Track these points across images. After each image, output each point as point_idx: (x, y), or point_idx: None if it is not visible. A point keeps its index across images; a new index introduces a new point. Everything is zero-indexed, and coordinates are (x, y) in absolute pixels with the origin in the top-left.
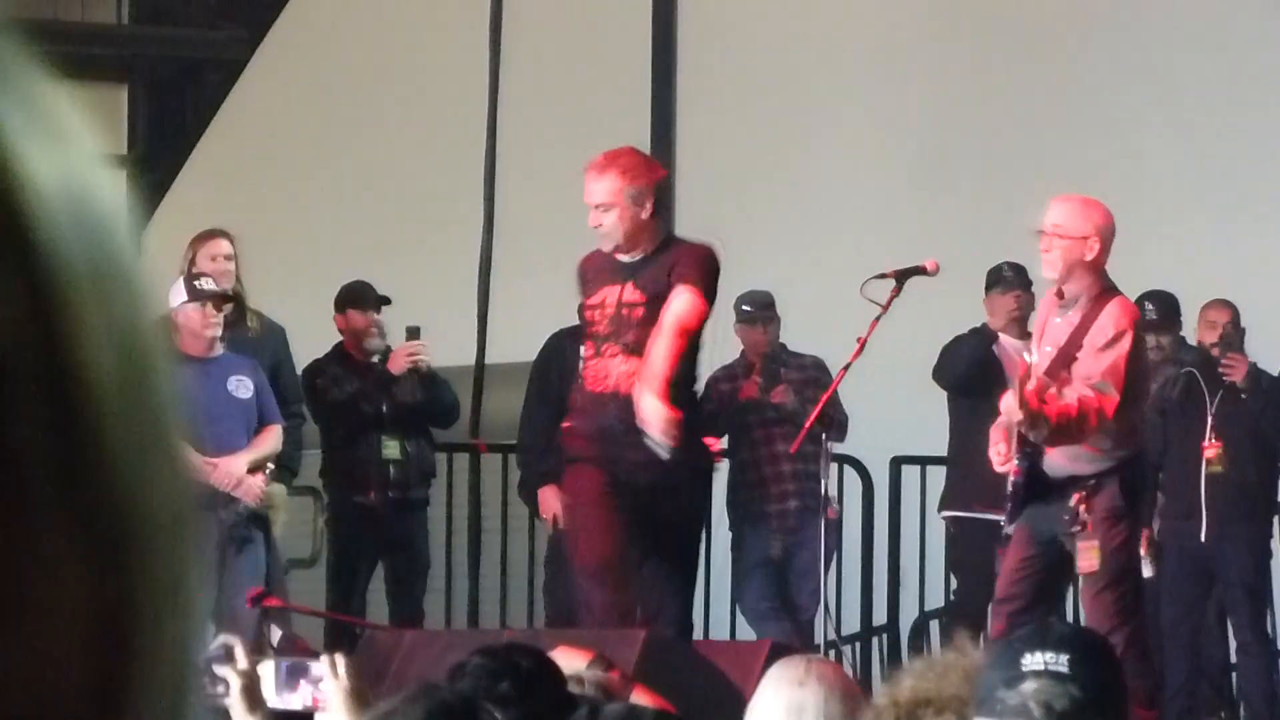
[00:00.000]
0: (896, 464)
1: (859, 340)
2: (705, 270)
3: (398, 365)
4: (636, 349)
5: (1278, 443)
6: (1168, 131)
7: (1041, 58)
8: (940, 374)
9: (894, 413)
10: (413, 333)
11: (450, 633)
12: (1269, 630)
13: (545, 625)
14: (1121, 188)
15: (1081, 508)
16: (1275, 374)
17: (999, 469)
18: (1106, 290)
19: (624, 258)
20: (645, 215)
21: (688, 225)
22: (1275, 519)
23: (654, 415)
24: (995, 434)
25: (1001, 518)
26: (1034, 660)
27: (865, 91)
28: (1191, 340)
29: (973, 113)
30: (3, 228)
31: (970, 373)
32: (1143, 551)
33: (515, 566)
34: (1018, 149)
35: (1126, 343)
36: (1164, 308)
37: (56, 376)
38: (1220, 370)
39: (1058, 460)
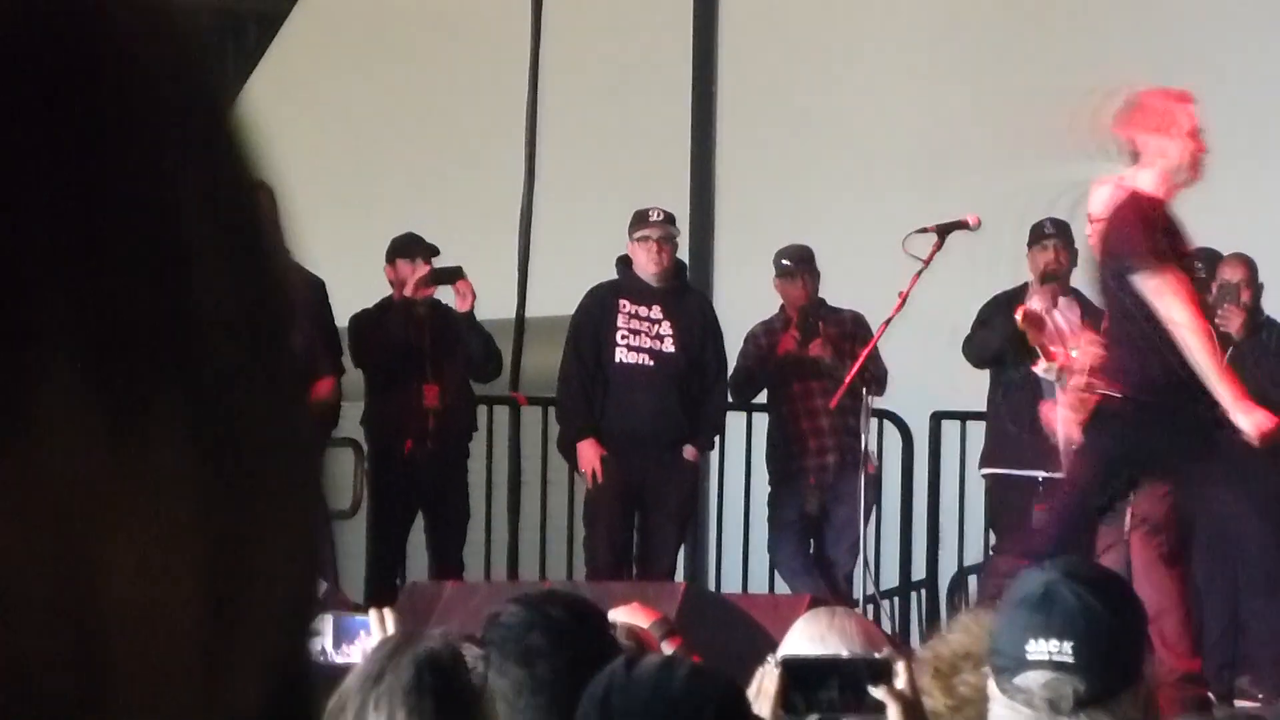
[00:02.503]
0: (936, 419)
1: (900, 294)
2: None
3: (466, 303)
4: None
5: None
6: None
7: (1090, 10)
8: (969, 353)
9: (934, 367)
10: (454, 273)
11: (490, 584)
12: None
13: (585, 579)
14: None
15: None
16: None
17: (1061, 430)
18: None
19: None
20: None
21: (728, 182)
22: None
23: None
24: (1052, 407)
25: (1039, 474)
26: (1038, 649)
27: (908, 44)
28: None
29: (1019, 68)
30: None
31: (999, 356)
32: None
33: (555, 520)
34: (1060, 105)
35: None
36: (1206, 264)
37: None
38: (1216, 322)
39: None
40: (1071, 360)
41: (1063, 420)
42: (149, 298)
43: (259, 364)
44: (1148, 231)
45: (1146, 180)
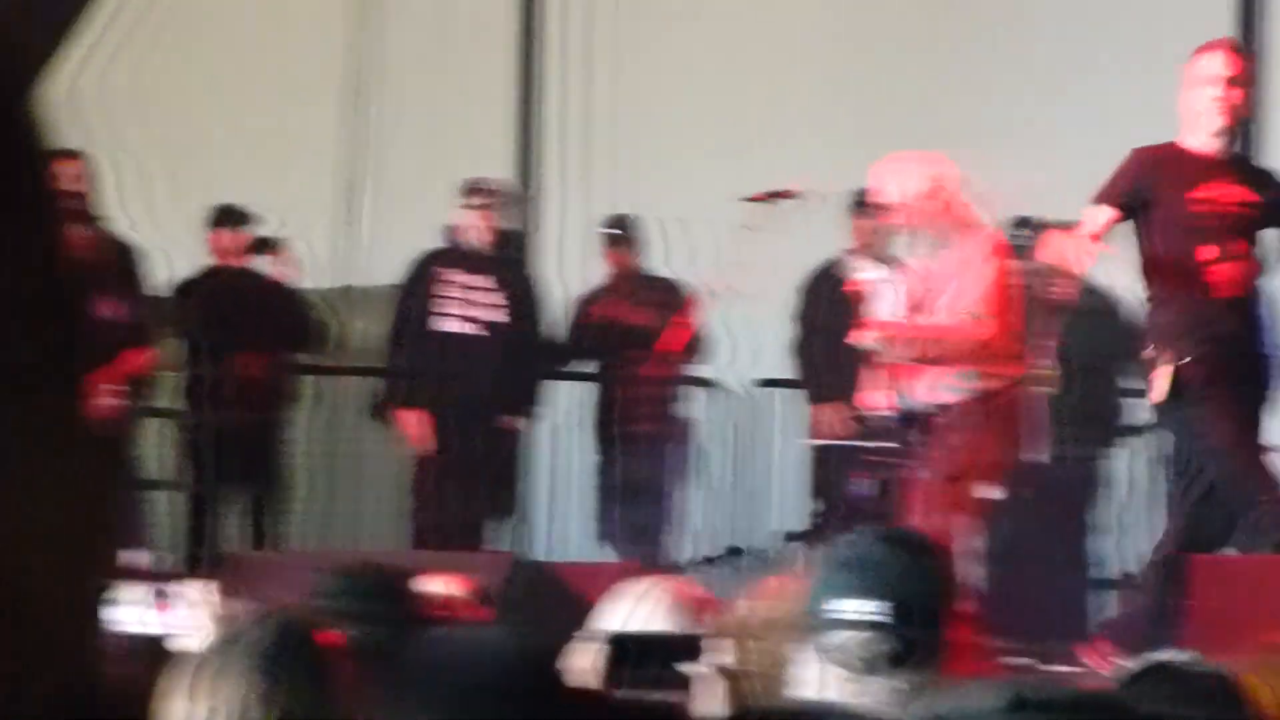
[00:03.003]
0: (760, 386)
1: (726, 263)
2: None
3: (287, 273)
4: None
5: (1112, 364)
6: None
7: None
8: (796, 323)
9: (758, 335)
10: (275, 244)
11: (311, 554)
12: (1092, 555)
13: (407, 549)
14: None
15: (935, 431)
16: (1113, 296)
17: (883, 411)
18: (971, 225)
19: (1216, 149)
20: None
21: (554, 150)
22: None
23: None
24: (871, 377)
25: (860, 444)
26: (853, 609)
27: (749, 15)
28: None
29: (858, 44)
30: None
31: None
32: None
33: (377, 490)
34: (901, 83)
35: (993, 272)
36: (1025, 233)
37: None
38: (1051, 290)
39: (921, 392)
40: (904, 330)
41: (926, 389)
42: None
43: (35, 338)
44: None
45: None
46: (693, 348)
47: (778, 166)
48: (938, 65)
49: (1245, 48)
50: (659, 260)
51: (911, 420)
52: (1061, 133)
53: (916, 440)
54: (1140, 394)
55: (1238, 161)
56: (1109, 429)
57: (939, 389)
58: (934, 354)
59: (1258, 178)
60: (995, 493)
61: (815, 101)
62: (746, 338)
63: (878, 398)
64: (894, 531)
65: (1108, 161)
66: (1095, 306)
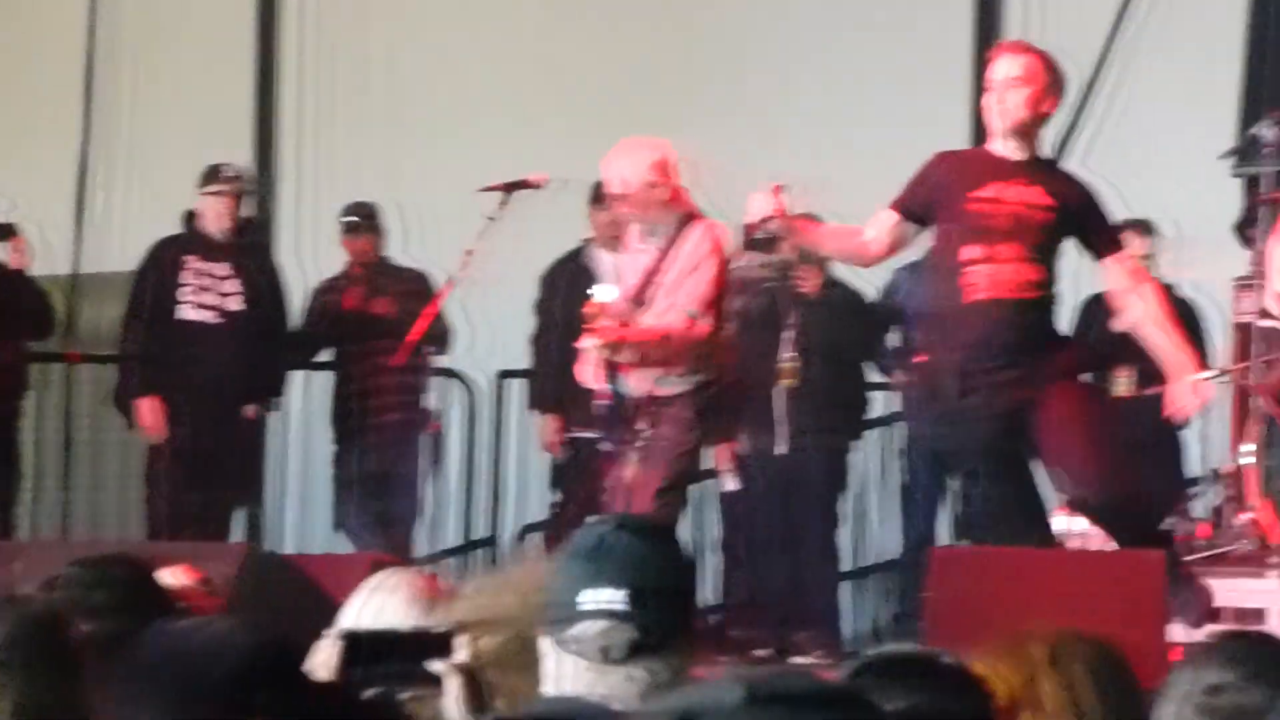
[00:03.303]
0: (501, 377)
1: (466, 252)
2: None
3: (21, 261)
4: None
5: (853, 356)
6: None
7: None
8: (536, 314)
9: (499, 326)
10: (10, 230)
11: (42, 543)
12: (837, 547)
13: (145, 538)
14: (750, 117)
15: (646, 421)
16: (853, 288)
17: (592, 386)
18: (689, 216)
19: (1010, 153)
20: (1045, 111)
21: (291, 136)
22: (868, 433)
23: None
24: (584, 353)
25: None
26: (592, 599)
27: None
28: None
29: (594, 35)
30: None
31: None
32: (728, 465)
33: (110, 479)
34: (642, 72)
35: (713, 268)
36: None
37: None
38: (794, 283)
39: (634, 383)
40: (626, 335)
41: (640, 380)
42: None
43: None
44: None
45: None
46: (434, 338)
47: (524, 154)
48: (683, 50)
49: (1033, 47)
50: (399, 249)
51: (626, 408)
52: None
53: (631, 428)
54: (883, 386)
55: (1037, 165)
56: (853, 421)
57: (654, 382)
58: (655, 357)
59: (1057, 182)
60: (731, 483)
61: (560, 86)
62: (487, 328)
63: (595, 385)
64: (631, 519)
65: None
66: (839, 299)
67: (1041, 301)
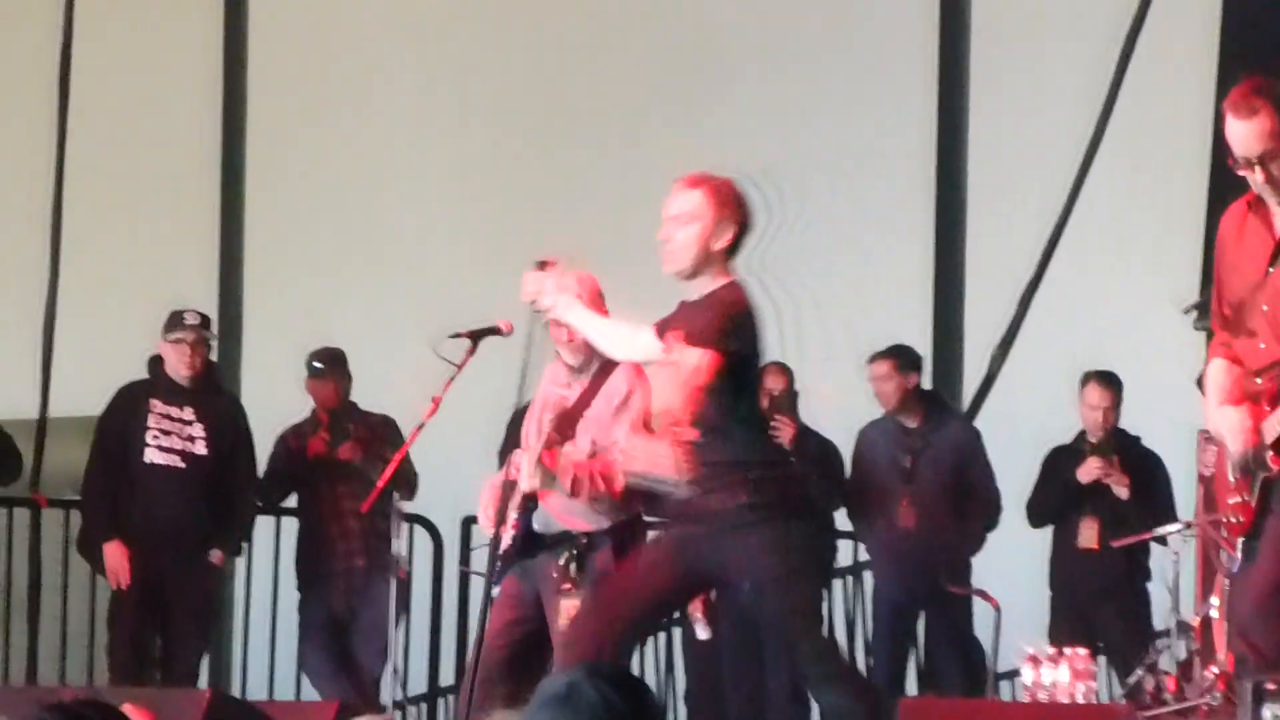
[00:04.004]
0: (467, 523)
1: (433, 399)
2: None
3: None
4: None
5: (822, 505)
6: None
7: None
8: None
9: (465, 471)
10: None
11: (8, 689)
12: (806, 695)
13: (107, 684)
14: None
15: (572, 566)
16: (824, 437)
17: (488, 532)
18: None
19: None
20: (719, 245)
21: (256, 282)
22: (835, 582)
23: None
24: (484, 496)
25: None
26: None
27: (445, 147)
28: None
29: (544, 180)
30: None
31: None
32: (699, 614)
33: (75, 624)
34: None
35: (638, 402)
36: None
37: None
38: (770, 433)
39: (555, 515)
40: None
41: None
42: None
43: None
44: None
45: None
46: (401, 483)
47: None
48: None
49: (702, 180)
50: (364, 394)
51: (539, 542)
52: None
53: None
54: (850, 535)
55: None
56: (822, 569)
57: (577, 516)
58: (592, 492)
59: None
60: (703, 632)
61: (523, 223)
62: (453, 474)
63: (508, 523)
64: (601, 667)
65: None
66: (811, 448)
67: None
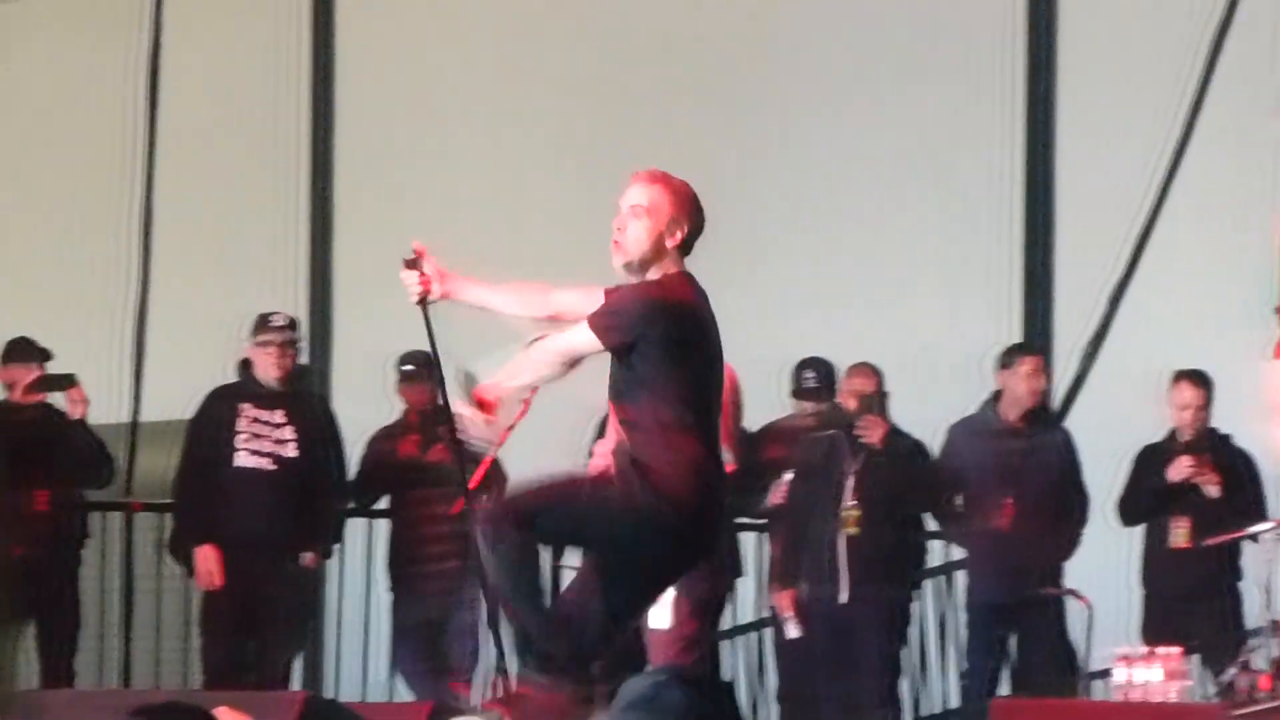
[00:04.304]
0: None
1: (523, 401)
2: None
3: (78, 410)
4: None
5: (915, 506)
6: (820, 200)
7: (693, 114)
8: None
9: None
10: (67, 380)
11: (103, 693)
12: (899, 696)
13: (201, 687)
14: (774, 254)
15: None
16: (915, 438)
17: None
18: None
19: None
20: (671, 243)
21: (347, 285)
22: (927, 583)
23: None
24: None
25: None
26: None
27: (537, 159)
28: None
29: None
30: None
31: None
32: (789, 613)
33: (169, 627)
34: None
35: (727, 406)
36: (821, 374)
37: None
38: (857, 433)
39: None
40: None
41: None
42: None
43: None
44: None
45: None
46: (491, 485)
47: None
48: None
49: (661, 177)
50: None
51: None
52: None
53: None
54: (942, 536)
55: None
56: (913, 570)
57: None
58: None
59: None
60: (793, 631)
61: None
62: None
63: None
64: (686, 670)
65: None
66: (902, 449)
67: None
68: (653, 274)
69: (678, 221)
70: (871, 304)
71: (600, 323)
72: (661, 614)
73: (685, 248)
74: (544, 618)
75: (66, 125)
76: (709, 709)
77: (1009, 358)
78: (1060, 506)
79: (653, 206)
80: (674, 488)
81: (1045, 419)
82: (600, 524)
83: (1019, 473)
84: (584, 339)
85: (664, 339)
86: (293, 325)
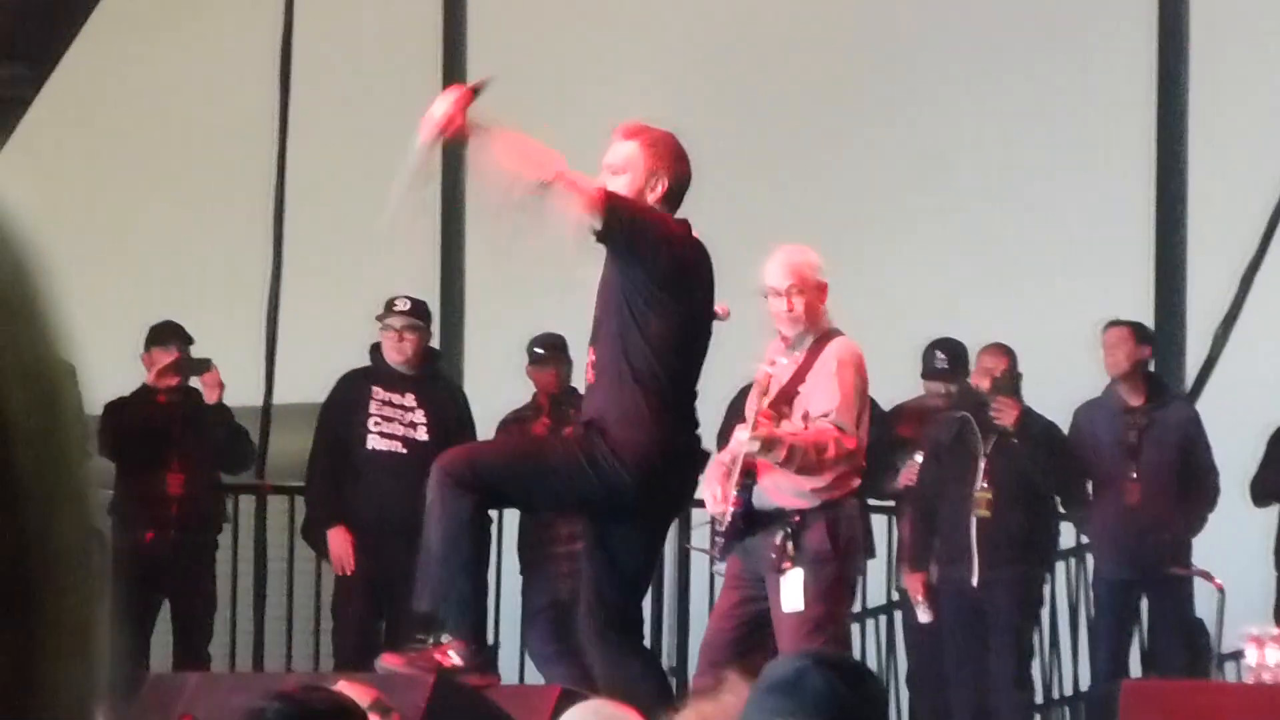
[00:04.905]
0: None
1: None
2: None
3: (213, 395)
4: None
5: (1047, 488)
6: (951, 180)
7: (828, 95)
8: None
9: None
10: (203, 364)
11: (235, 675)
12: (1031, 678)
13: (332, 670)
14: (905, 235)
15: (788, 544)
16: (1048, 420)
17: (713, 511)
18: (827, 333)
19: None
20: (653, 197)
21: (477, 267)
22: (1058, 565)
23: None
24: (712, 472)
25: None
26: None
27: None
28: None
29: (764, 175)
30: None
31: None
32: (920, 597)
33: (301, 610)
34: (802, 181)
35: (854, 382)
36: (952, 355)
37: None
38: (990, 414)
39: (767, 494)
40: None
41: (735, 440)
42: None
43: (56, 484)
44: None
45: None
46: None
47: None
48: (826, 191)
49: (638, 129)
50: (582, 381)
51: (757, 524)
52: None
53: (771, 550)
54: (1069, 518)
55: None
56: (1044, 551)
57: (790, 494)
58: (803, 465)
59: None
60: (924, 615)
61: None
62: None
63: (718, 495)
64: (828, 655)
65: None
66: (1035, 430)
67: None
68: None
69: (657, 174)
70: (1003, 285)
71: (612, 201)
72: (791, 597)
73: (671, 200)
74: (464, 587)
75: (200, 109)
76: (851, 696)
77: (1107, 328)
78: (1186, 485)
79: (628, 162)
80: (629, 448)
81: (1164, 399)
82: (562, 484)
83: (1142, 451)
84: (584, 202)
85: (667, 271)
86: (418, 309)
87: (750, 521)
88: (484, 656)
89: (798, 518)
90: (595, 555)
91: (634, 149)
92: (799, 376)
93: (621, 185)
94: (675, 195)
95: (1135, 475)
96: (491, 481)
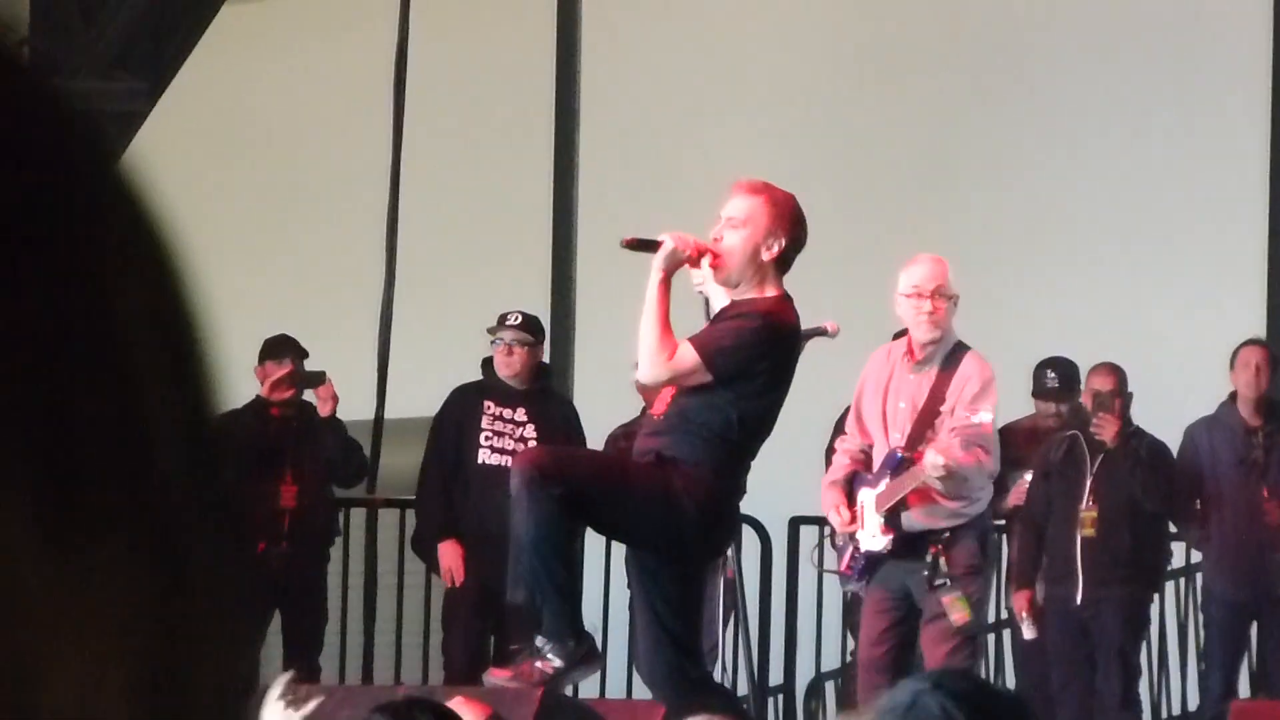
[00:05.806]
0: (795, 524)
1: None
2: None
3: (326, 408)
4: None
5: (1153, 507)
6: (1065, 199)
7: (946, 114)
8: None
9: (793, 472)
10: (317, 378)
11: (344, 688)
12: (1138, 698)
13: (442, 682)
14: (1017, 251)
15: (942, 560)
16: (1157, 439)
17: (843, 530)
18: (959, 345)
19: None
20: (768, 256)
21: (588, 284)
22: (1167, 585)
23: None
24: (830, 496)
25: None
26: None
27: (787, 153)
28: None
29: (873, 174)
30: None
31: None
32: (1025, 614)
33: (411, 623)
34: (917, 208)
35: (992, 399)
36: (1063, 375)
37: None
38: (1092, 430)
39: (915, 516)
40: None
41: (926, 464)
42: (96, 414)
43: (199, 477)
44: None
45: None
46: None
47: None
48: (946, 206)
49: (762, 187)
50: None
51: (902, 545)
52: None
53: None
54: (1182, 537)
55: None
56: (1152, 571)
57: (937, 514)
58: (961, 488)
59: None
60: (1029, 632)
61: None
62: (781, 473)
63: (866, 526)
64: (948, 677)
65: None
66: (1142, 449)
67: None
68: (747, 289)
69: (774, 234)
70: (1116, 304)
71: (713, 357)
72: (955, 612)
73: (783, 263)
74: (557, 573)
75: (313, 123)
76: None
77: (1235, 354)
78: None
79: (750, 217)
80: (701, 489)
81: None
82: (636, 506)
83: (1257, 472)
84: (689, 366)
85: (768, 370)
86: (529, 324)
87: (900, 545)
88: (584, 648)
89: (948, 535)
90: (650, 591)
91: (757, 205)
92: (937, 395)
93: (738, 239)
94: (789, 257)
95: (1251, 497)
96: (575, 483)
